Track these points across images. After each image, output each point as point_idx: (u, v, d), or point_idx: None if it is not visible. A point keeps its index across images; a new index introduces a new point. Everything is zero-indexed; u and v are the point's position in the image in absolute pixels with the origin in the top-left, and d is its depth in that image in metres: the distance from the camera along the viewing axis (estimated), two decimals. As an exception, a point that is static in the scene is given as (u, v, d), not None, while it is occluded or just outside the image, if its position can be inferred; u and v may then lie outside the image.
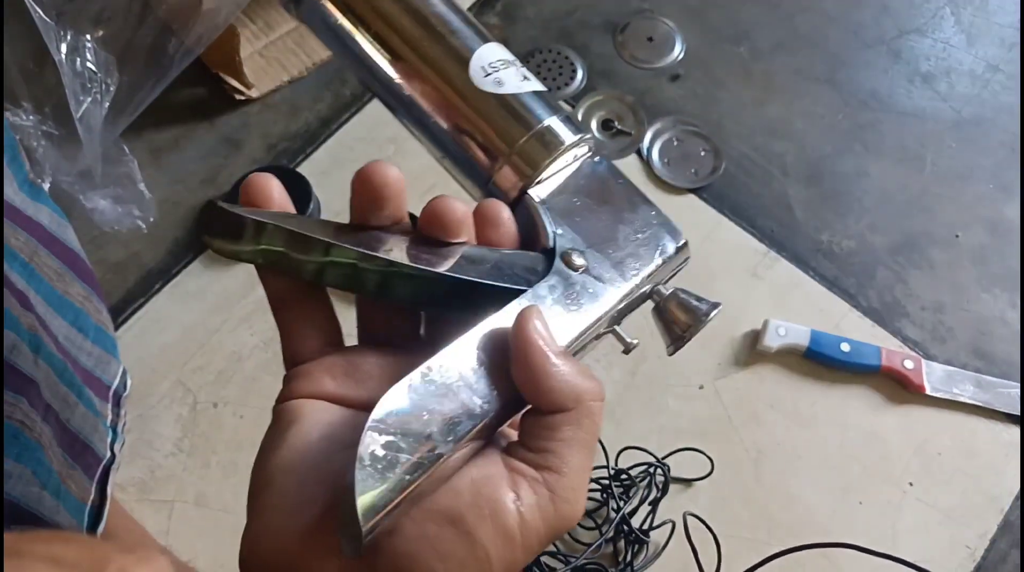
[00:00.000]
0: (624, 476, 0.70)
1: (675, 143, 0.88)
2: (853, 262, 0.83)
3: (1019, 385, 0.77)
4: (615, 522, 0.66)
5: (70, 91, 0.70)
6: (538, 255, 0.33)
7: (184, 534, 0.68)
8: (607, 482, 0.68)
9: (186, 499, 0.70)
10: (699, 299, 0.34)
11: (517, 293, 0.31)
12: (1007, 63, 0.94)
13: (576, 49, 0.93)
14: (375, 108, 0.88)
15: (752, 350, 0.77)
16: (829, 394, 0.76)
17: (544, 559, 0.66)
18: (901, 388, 0.76)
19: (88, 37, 0.71)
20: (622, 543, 0.68)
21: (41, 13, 0.67)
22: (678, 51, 0.93)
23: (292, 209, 0.33)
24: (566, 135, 0.34)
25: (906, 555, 0.63)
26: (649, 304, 0.36)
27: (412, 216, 0.33)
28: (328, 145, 0.87)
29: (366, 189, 0.32)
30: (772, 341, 0.76)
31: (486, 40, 0.35)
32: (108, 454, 0.63)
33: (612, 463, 0.71)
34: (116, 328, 0.76)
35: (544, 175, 0.34)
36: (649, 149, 0.87)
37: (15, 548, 0.22)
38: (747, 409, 0.75)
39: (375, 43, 0.36)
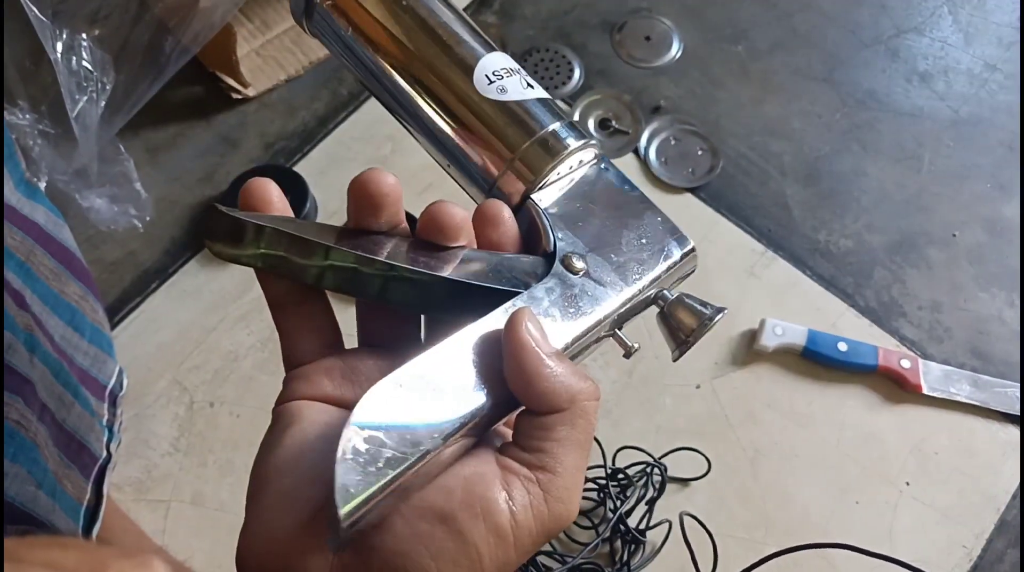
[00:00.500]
0: (621, 476, 0.69)
1: (672, 142, 0.88)
2: (850, 261, 0.83)
3: (1016, 384, 0.77)
4: (612, 522, 0.66)
5: (66, 90, 0.70)
6: (538, 259, 0.33)
7: (180, 533, 0.68)
8: (604, 482, 0.68)
9: (183, 498, 0.70)
10: (703, 304, 0.34)
11: (515, 295, 0.31)
12: (1005, 62, 0.94)
13: (574, 48, 0.93)
14: (372, 107, 0.88)
15: (749, 349, 0.77)
16: (826, 393, 0.76)
17: (540, 559, 0.66)
18: (898, 387, 0.76)
19: (84, 36, 0.70)
20: (619, 543, 0.68)
21: (37, 12, 0.67)
22: (676, 50, 0.93)
23: (291, 213, 0.33)
24: (569, 140, 0.34)
25: (903, 554, 0.63)
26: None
27: (411, 217, 0.33)
28: (325, 144, 0.86)
29: (363, 197, 0.32)
30: (769, 340, 0.76)
31: (491, 49, 0.36)
32: (104, 453, 0.63)
33: (609, 463, 0.71)
34: (112, 327, 0.76)
35: (548, 180, 0.35)
36: (646, 148, 0.87)
37: (14, 554, 0.22)
38: (744, 408, 0.75)
39: (382, 53, 0.36)
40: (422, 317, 0.35)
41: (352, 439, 0.26)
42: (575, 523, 0.68)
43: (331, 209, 0.82)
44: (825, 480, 0.73)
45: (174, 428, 0.73)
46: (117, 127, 0.76)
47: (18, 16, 0.69)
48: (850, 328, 0.79)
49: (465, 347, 0.29)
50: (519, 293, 0.31)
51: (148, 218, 0.79)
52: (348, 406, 0.31)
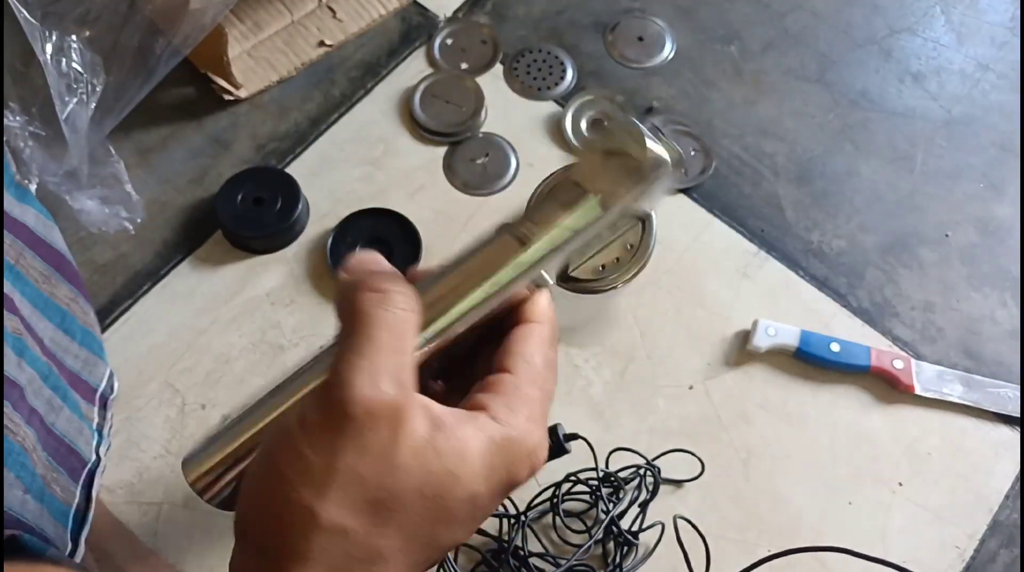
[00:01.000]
0: (613, 478, 0.69)
1: (665, 143, 0.87)
2: (843, 262, 0.83)
3: (1008, 385, 0.77)
4: (604, 524, 0.66)
5: (55, 92, 0.70)
6: None
7: (172, 536, 0.68)
8: (596, 484, 0.68)
9: (174, 501, 0.69)
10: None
11: None
12: (997, 62, 0.94)
13: (566, 49, 0.92)
14: (365, 108, 0.88)
15: (742, 350, 0.77)
16: (819, 394, 0.76)
17: (533, 561, 0.66)
18: (891, 388, 0.76)
19: (74, 37, 0.70)
20: (611, 545, 0.68)
21: (26, 14, 0.67)
22: (668, 50, 0.93)
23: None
24: None
25: (896, 555, 0.63)
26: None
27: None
28: (317, 145, 0.86)
29: None
30: (762, 341, 0.76)
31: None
32: (94, 457, 0.63)
33: (602, 465, 0.71)
34: (103, 330, 0.75)
35: None
36: (639, 149, 0.87)
37: None
38: (737, 409, 0.75)
39: None
40: None
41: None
42: (568, 526, 0.68)
43: (323, 210, 0.82)
44: (818, 481, 0.73)
45: (166, 430, 0.72)
46: (108, 129, 0.76)
47: (7, 17, 0.69)
48: (843, 329, 0.79)
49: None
50: None
51: (139, 220, 0.79)
52: None
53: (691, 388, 0.76)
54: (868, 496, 0.72)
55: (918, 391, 0.75)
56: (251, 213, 0.79)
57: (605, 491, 0.68)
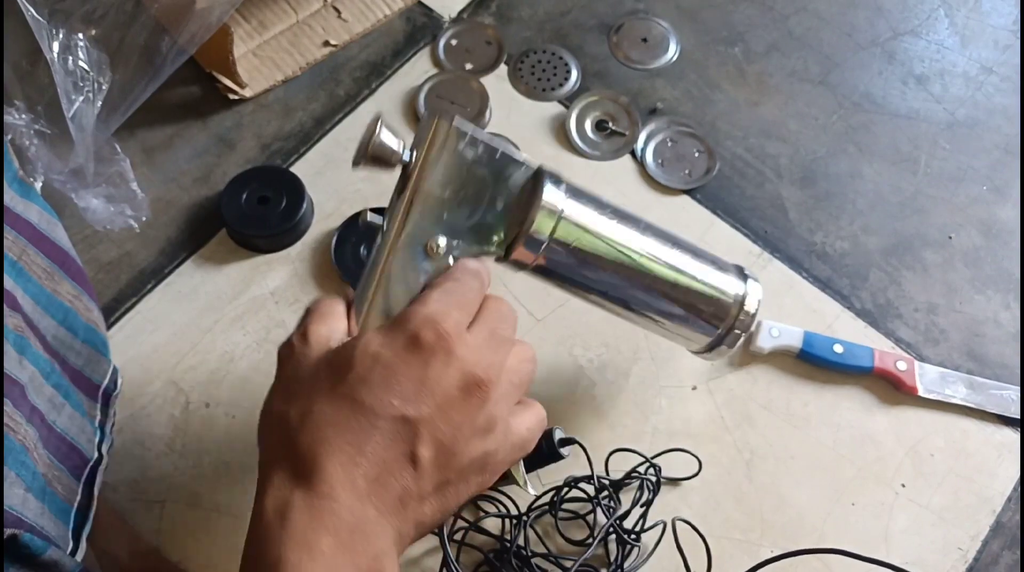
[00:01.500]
0: (616, 478, 0.69)
1: (669, 144, 0.88)
2: (846, 263, 0.83)
3: (1011, 387, 0.77)
4: (606, 524, 0.66)
5: (62, 90, 0.70)
6: None
7: (176, 534, 0.68)
8: (598, 484, 0.68)
9: (177, 499, 0.70)
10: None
11: None
12: (1001, 65, 0.94)
13: (570, 50, 0.93)
14: (370, 108, 0.88)
15: (745, 351, 0.77)
16: (822, 395, 0.76)
17: (536, 561, 0.66)
18: (894, 389, 0.76)
19: (80, 35, 0.71)
20: (613, 545, 0.67)
21: (33, 11, 0.67)
22: (672, 52, 0.93)
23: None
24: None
25: (898, 556, 0.63)
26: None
27: None
28: (322, 145, 0.86)
29: None
30: (765, 342, 0.76)
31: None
32: (96, 455, 0.63)
33: (604, 465, 0.71)
34: (108, 328, 0.76)
35: None
36: (643, 150, 0.87)
37: None
38: (740, 410, 0.75)
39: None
40: None
41: None
42: (565, 533, 0.68)
43: (327, 210, 0.82)
44: (821, 482, 0.73)
45: (169, 429, 0.72)
46: (113, 127, 0.76)
47: (15, 15, 0.69)
48: (846, 330, 0.79)
49: None
50: None
51: (144, 218, 0.79)
52: None
53: (694, 389, 0.76)
54: (871, 497, 0.72)
55: (921, 393, 0.75)
56: (256, 212, 0.79)
57: (604, 498, 0.68)
